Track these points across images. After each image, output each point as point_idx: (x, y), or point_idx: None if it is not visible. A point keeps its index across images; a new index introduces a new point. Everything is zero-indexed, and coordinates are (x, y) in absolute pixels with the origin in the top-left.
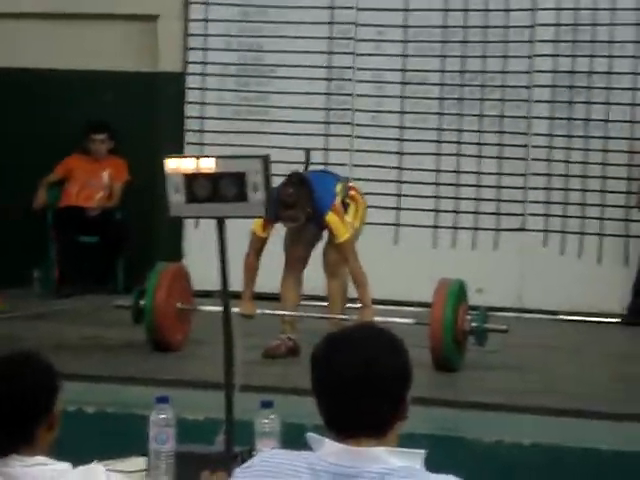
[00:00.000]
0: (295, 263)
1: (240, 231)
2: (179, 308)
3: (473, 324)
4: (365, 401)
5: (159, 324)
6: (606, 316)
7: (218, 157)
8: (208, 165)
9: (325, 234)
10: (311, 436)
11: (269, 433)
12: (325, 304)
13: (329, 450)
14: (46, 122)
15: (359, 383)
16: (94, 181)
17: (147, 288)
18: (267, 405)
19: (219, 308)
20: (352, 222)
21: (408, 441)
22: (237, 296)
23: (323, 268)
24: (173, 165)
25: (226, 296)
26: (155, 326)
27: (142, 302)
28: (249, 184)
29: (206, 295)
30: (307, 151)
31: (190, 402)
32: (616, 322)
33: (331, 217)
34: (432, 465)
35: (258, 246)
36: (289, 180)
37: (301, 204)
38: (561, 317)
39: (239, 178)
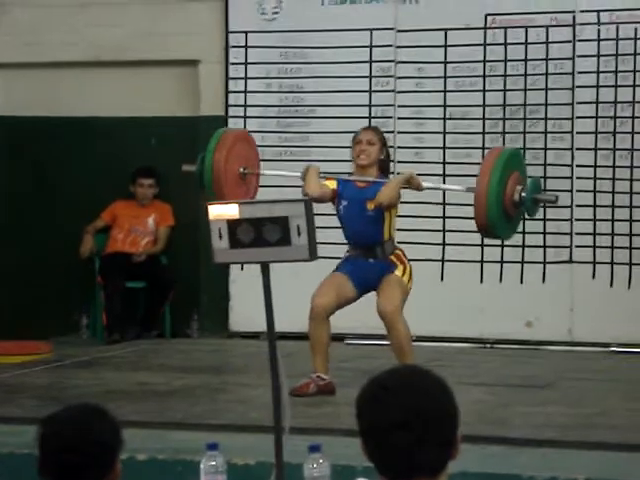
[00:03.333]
0: (316, 315)
1: (286, 271)
2: (241, 172)
3: (523, 194)
4: (416, 446)
5: (219, 187)
6: None
7: (261, 202)
8: (250, 211)
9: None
10: None
11: (319, 477)
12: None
13: None
14: (91, 169)
15: (409, 428)
16: (139, 227)
17: (207, 151)
18: (315, 449)
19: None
20: (404, 279)
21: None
22: (283, 337)
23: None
24: (216, 211)
25: (272, 338)
26: (215, 189)
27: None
28: (292, 228)
29: (253, 337)
30: None
31: (240, 446)
32: None
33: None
34: None
35: (324, 191)
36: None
37: (378, 146)
38: (612, 349)
39: (282, 222)
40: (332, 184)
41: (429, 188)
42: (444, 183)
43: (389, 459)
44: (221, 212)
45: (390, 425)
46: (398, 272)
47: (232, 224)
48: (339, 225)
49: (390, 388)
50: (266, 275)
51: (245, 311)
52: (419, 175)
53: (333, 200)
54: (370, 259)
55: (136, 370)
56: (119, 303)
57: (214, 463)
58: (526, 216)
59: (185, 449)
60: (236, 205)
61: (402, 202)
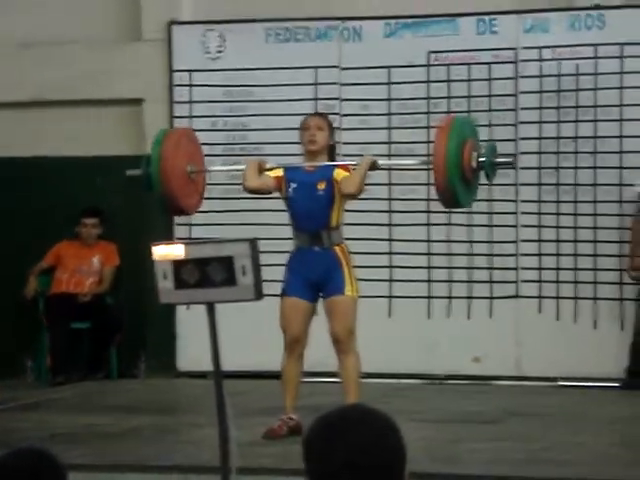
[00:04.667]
0: (294, 344)
1: (232, 310)
2: (189, 172)
3: (480, 159)
4: None
5: (167, 185)
6: (605, 380)
7: (205, 242)
8: (195, 251)
9: (319, 306)
10: None
11: None
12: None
13: None
14: (36, 210)
15: (356, 468)
16: (84, 267)
17: (152, 154)
18: None
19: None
20: (354, 295)
21: None
22: (231, 376)
23: (333, 346)
24: (160, 252)
25: (219, 378)
26: (164, 192)
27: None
28: (237, 268)
29: (200, 376)
30: None
31: None
32: (615, 386)
33: (338, 171)
34: None
35: (264, 180)
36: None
37: (327, 132)
38: (560, 383)
39: (227, 262)
40: (277, 172)
41: (385, 167)
42: (390, 222)
43: None
44: (166, 252)
45: (337, 466)
46: (348, 291)
47: (177, 264)
48: (282, 263)
49: (337, 428)
50: (212, 315)
51: (192, 350)
52: (366, 212)
53: (280, 189)
54: (315, 247)
55: (83, 412)
56: (64, 344)
57: None
58: (486, 181)
59: None
60: (182, 245)
61: (347, 238)
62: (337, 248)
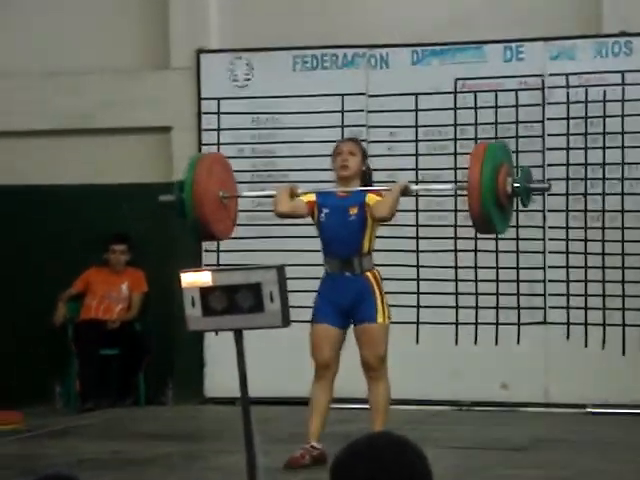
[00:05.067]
0: (324, 371)
1: (260, 336)
2: (221, 197)
3: (515, 185)
4: None
5: (201, 210)
6: (634, 407)
7: (234, 269)
8: (223, 278)
9: (349, 333)
10: None
11: None
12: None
13: None
14: (65, 237)
15: None
16: (113, 293)
17: (185, 179)
18: None
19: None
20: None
21: None
22: (259, 402)
23: (364, 372)
24: (188, 279)
25: (246, 405)
26: (196, 217)
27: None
28: (265, 294)
29: (228, 402)
30: None
31: None
32: None
33: (370, 196)
34: None
35: (296, 204)
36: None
37: (359, 158)
38: (588, 410)
39: (255, 289)
40: (309, 197)
41: (417, 193)
42: (418, 248)
43: None
44: (194, 280)
45: None
46: (379, 318)
47: (205, 291)
48: (310, 289)
49: (365, 457)
50: (239, 342)
51: (220, 377)
52: (393, 238)
53: (312, 214)
54: (347, 272)
55: (110, 438)
56: (93, 370)
57: None
58: (521, 207)
59: None
60: (209, 273)
61: (375, 264)
62: (369, 274)
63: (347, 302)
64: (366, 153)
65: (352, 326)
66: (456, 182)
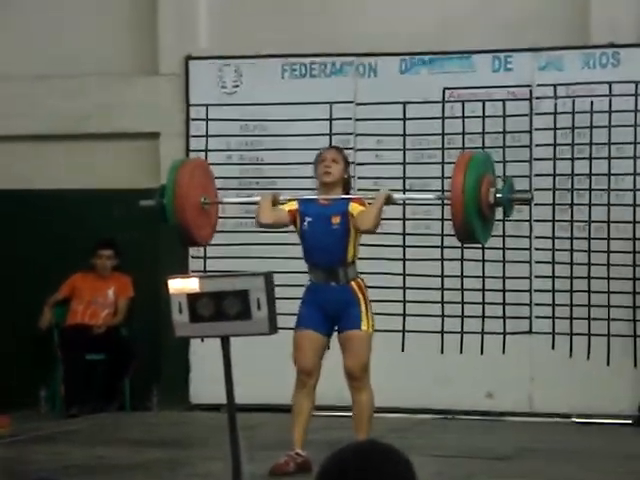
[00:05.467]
0: (306, 378)
1: (247, 342)
2: (202, 202)
3: (498, 195)
4: None
5: (182, 215)
6: (618, 417)
7: (220, 275)
8: (210, 285)
9: (333, 341)
10: None
11: None
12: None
13: None
14: (51, 243)
15: None
16: (99, 299)
17: (166, 185)
18: None
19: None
20: (369, 332)
21: None
22: (244, 409)
23: (347, 381)
24: (176, 285)
25: (232, 412)
26: (178, 222)
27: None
28: (252, 301)
29: (213, 409)
30: None
31: None
32: (628, 423)
33: (353, 205)
34: None
35: (278, 214)
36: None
37: (342, 165)
38: (573, 420)
39: (242, 296)
40: (291, 205)
41: (401, 202)
42: (404, 257)
43: None
44: (181, 286)
45: None
46: (364, 326)
47: (192, 298)
48: (298, 296)
49: (352, 464)
50: (226, 348)
51: (206, 383)
52: (379, 246)
53: (294, 222)
54: (332, 282)
55: (95, 444)
56: (78, 375)
57: None
58: (503, 217)
59: None
60: (197, 279)
61: (361, 272)
62: (354, 283)
63: (332, 310)
64: (348, 161)
65: (336, 334)
66: (442, 191)
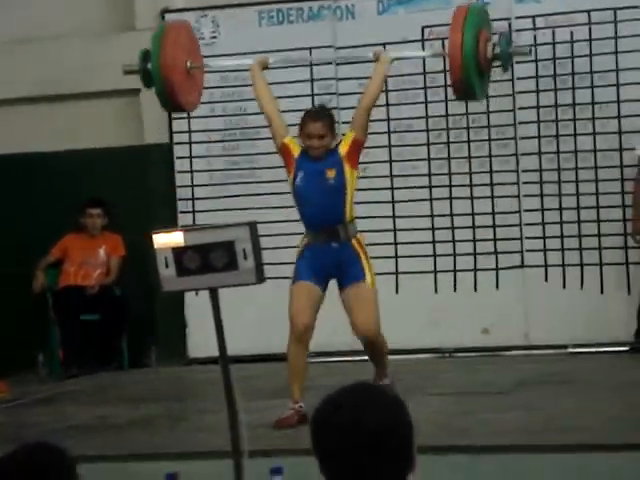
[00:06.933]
0: (304, 333)
1: (239, 294)
2: (188, 67)
3: (496, 50)
4: (373, 465)
5: (168, 80)
6: (614, 345)
7: (205, 227)
8: (195, 238)
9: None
10: None
11: None
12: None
13: None
14: (39, 205)
15: (364, 447)
16: (91, 259)
17: (151, 48)
18: (277, 472)
19: None
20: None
21: None
22: (240, 360)
23: (355, 333)
24: (160, 240)
25: (226, 363)
26: (165, 87)
27: (149, 65)
28: (238, 252)
29: (212, 362)
30: None
31: (201, 474)
32: (624, 350)
33: (342, 146)
34: None
35: (278, 119)
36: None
37: (330, 136)
38: (569, 350)
39: (228, 247)
40: (293, 144)
41: (397, 58)
42: (393, 199)
43: (347, 479)
44: (166, 241)
45: (345, 445)
46: (368, 278)
47: (178, 252)
48: (285, 245)
49: (348, 403)
50: (215, 300)
51: (202, 336)
52: (369, 190)
53: (285, 156)
54: (333, 243)
55: (95, 404)
56: (75, 337)
57: None
58: (500, 71)
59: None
60: (181, 233)
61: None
62: (354, 241)
63: (333, 268)
64: (334, 123)
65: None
66: (443, 47)
